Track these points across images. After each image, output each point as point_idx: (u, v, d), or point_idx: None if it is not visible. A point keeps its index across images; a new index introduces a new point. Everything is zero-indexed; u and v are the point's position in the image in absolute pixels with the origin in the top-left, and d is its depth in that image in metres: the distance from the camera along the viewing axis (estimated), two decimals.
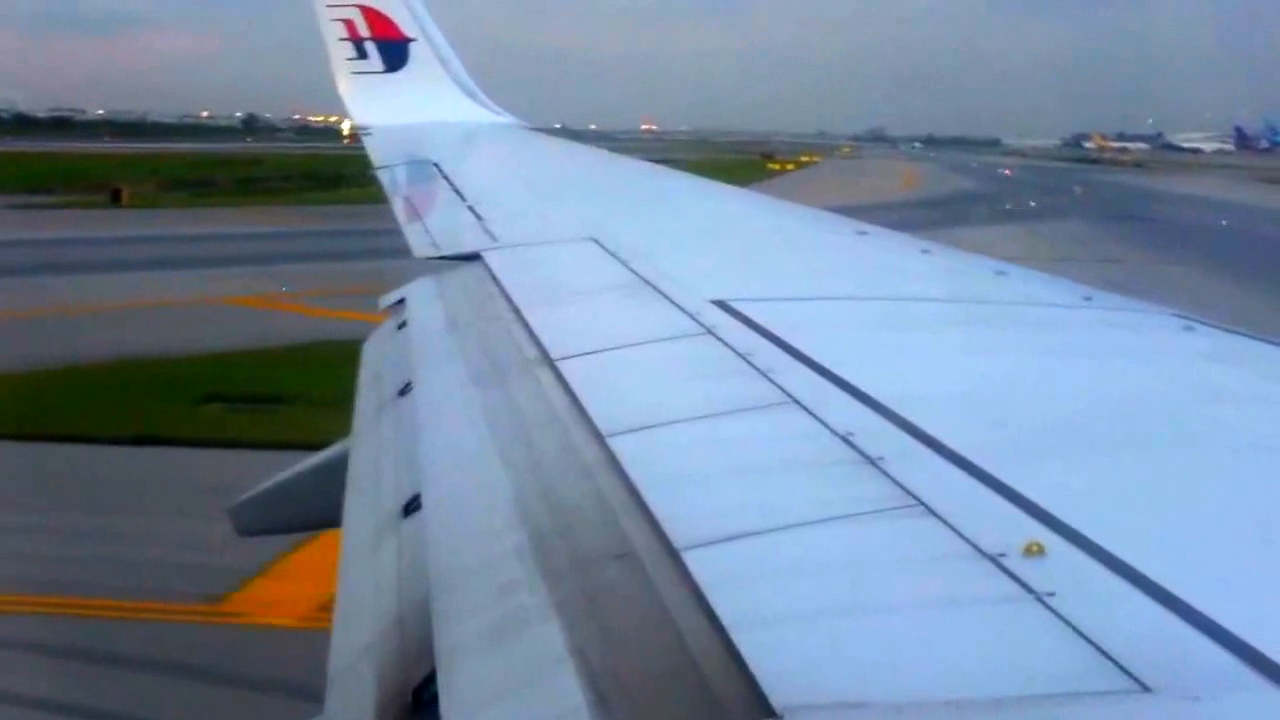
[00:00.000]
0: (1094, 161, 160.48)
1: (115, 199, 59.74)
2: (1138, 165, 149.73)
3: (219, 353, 23.91)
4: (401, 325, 5.11)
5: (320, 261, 38.10)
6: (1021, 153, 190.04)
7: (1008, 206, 63.79)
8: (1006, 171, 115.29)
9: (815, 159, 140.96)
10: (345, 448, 4.20)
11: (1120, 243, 47.69)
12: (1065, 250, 41.81)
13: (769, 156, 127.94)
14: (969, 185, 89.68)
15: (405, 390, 4.01)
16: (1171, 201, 73.30)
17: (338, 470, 3.90)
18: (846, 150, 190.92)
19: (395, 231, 7.25)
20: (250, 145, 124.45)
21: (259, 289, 32.26)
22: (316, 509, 4.49)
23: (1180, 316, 4.26)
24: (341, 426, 4.39)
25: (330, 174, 77.58)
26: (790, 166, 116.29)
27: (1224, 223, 58.41)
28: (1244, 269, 38.08)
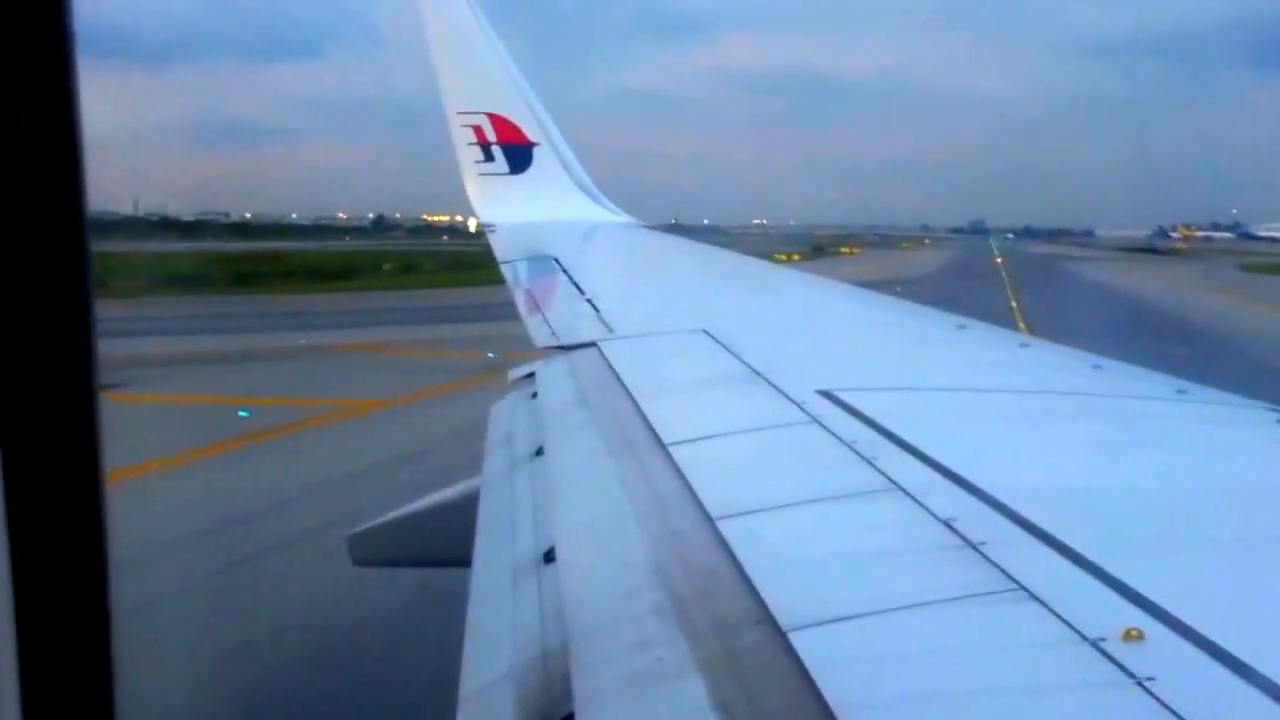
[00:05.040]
0: (1153, 251, 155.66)
1: None
2: (1172, 253, 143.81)
3: None
4: (533, 396, 5.49)
5: None
6: (1088, 244, 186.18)
7: (897, 288, 62.26)
8: (998, 260, 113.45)
9: (855, 251, 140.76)
10: (463, 491, 4.61)
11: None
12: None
13: (819, 249, 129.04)
14: (929, 271, 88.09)
15: (539, 453, 4.32)
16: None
17: (458, 512, 4.20)
18: (926, 243, 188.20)
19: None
20: (339, 244, 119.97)
21: None
22: (436, 546, 4.79)
23: (1275, 410, 4.29)
24: None
25: (340, 269, 74.38)
26: (797, 257, 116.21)
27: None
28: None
